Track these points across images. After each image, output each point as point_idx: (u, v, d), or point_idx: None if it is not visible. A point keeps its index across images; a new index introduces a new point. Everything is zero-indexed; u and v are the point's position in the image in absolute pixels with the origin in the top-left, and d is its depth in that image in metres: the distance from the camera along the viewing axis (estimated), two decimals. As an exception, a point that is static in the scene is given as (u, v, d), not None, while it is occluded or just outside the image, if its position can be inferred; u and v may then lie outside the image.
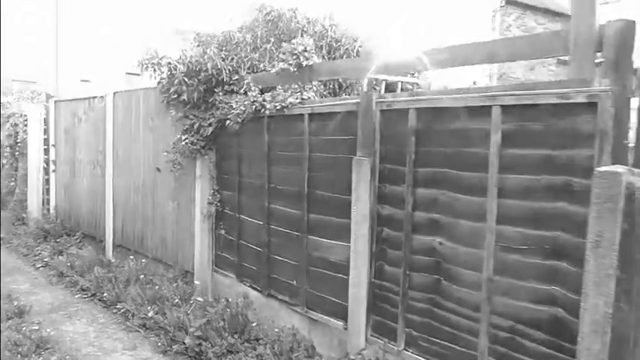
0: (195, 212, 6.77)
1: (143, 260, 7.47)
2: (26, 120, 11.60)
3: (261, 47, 6.42)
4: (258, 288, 5.82)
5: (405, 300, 4.18)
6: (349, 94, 6.51)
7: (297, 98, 5.24)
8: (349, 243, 4.63)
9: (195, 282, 6.62)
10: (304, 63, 5.17)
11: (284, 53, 5.34)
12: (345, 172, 4.66)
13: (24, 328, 5.87)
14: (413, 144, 4.09)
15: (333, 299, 4.88)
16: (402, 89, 6.05)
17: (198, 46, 6.67)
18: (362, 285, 4.47)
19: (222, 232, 6.43)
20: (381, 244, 4.40)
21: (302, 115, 5.16)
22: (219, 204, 6.50)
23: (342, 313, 4.74)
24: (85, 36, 19.99)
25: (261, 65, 6.29)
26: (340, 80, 6.37)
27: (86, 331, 6.08)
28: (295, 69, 5.23)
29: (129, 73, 11.12)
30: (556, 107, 3.22)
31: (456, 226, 3.81)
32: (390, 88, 6.08)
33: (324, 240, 4.96)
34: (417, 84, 7.67)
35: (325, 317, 4.94)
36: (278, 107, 5.32)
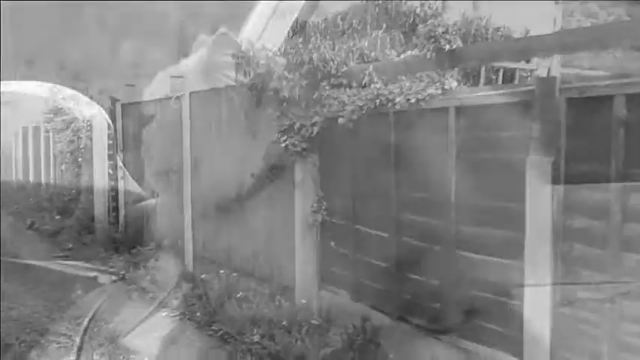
0: (295, 221, 6.04)
1: (234, 274, 6.78)
2: (89, 125, 11.14)
3: (370, 34, 5.67)
4: (383, 310, 5.04)
5: (614, 337, 3.35)
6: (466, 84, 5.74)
7: (436, 89, 4.44)
8: (519, 261, 3.81)
9: (300, 300, 5.89)
10: (446, 47, 4.37)
11: (417, 37, 4.58)
12: (510, 176, 3.85)
13: (121, 358, 5.28)
14: (623, 138, 3.26)
15: (497, 329, 4.06)
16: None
17: (295, 35, 5.98)
18: (544, 316, 3.65)
19: (331, 244, 5.68)
20: (571, 264, 3.57)
21: (445, 108, 4.35)
22: (325, 212, 5.76)
23: (511, 346, 3.92)
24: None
25: (372, 54, 5.54)
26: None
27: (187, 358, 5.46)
28: (433, 54, 4.45)
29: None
30: None
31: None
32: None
33: (481, 257, 4.15)
34: (534, 70, 6.81)
35: (487, 350, 4.12)
36: (412, 101, 4.52)
